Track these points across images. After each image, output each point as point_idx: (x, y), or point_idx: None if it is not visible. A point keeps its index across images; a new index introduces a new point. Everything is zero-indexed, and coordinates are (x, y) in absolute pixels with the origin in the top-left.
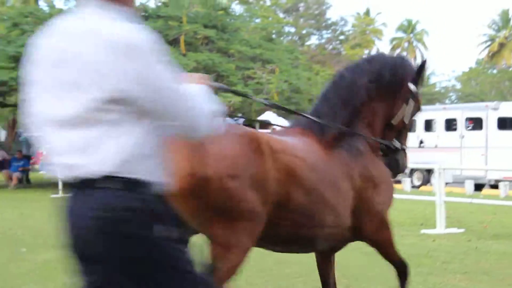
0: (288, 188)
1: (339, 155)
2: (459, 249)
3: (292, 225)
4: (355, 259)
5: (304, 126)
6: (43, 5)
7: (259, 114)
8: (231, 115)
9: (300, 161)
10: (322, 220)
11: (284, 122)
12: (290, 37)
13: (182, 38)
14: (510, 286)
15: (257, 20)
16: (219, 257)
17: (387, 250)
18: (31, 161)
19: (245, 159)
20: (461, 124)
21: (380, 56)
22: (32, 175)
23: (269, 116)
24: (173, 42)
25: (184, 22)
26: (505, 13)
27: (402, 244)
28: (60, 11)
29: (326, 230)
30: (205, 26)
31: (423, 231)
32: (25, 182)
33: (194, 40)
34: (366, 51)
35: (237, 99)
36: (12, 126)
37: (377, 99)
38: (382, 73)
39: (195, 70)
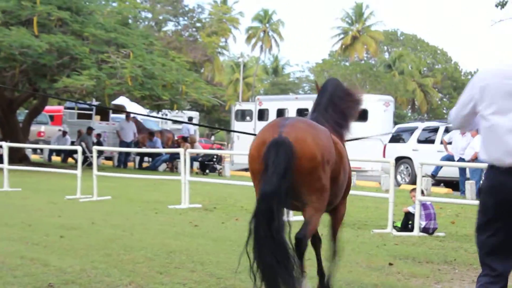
0: (339, 168)
1: (344, 146)
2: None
3: (332, 195)
4: (203, 245)
5: (323, 123)
6: None
7: (113, 99)
8: (84, 99)
9: (343, 148)
10: (342, 191)
11: (137, 108)
12: (146, 23)
13: (35, 19)
14: (351, 272)
15: (114, 4)
16: (311, 216)
17: (338, 222)
18: None
19: (331, 149)
20: None
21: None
22: None
23: (123, 101)
24: (25, 23)
25: (37, 3)
26: (358, 7)
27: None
28: None
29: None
30: (59, 8)
31: None
32: None
33: (47, 22)
34: (223, 39)
35: (90, 83)
36: None
37: None
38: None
39: (48, 52)
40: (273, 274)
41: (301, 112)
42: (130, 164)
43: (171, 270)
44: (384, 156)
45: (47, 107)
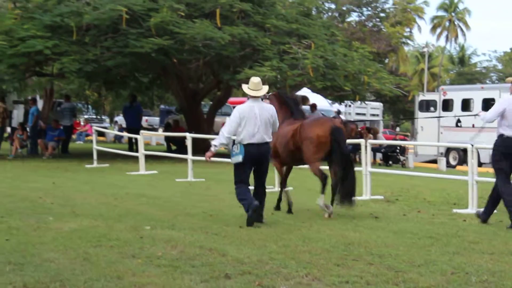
0: None
1: None
2: (488, 230)
3: None
4: (383, 237)
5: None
6: None
7: (295, 90)
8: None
9: None
10: None
11: (320, 98)
12: (330, 14)
13: (217, 11)
14: None
15: None
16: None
17: None
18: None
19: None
20: None
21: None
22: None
23: (305, 91)
24: (208, 15)
25: None
26: None
27: (432, 223)
28: None
29: None
30: (241, 0)
31: (454, 210)
32: (60, 152)
33: (230, 14)
34: (407, 29)
35: (272, 74)
36: (49, 95)
37: None
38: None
39: (231, 43)
40: (352, 192)
41: (487, 102)
42: None
43: (348, 262)
44: None
45: (232, 99)
